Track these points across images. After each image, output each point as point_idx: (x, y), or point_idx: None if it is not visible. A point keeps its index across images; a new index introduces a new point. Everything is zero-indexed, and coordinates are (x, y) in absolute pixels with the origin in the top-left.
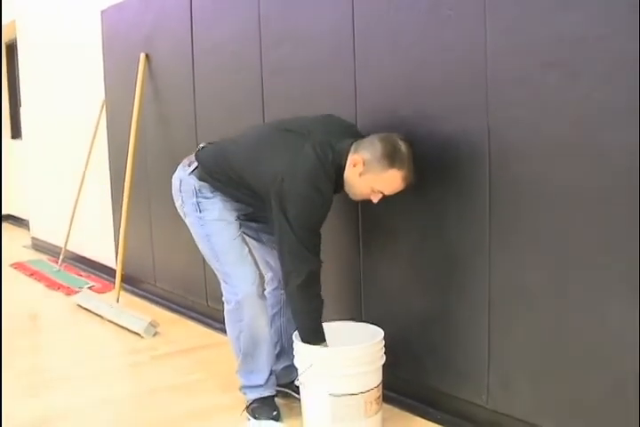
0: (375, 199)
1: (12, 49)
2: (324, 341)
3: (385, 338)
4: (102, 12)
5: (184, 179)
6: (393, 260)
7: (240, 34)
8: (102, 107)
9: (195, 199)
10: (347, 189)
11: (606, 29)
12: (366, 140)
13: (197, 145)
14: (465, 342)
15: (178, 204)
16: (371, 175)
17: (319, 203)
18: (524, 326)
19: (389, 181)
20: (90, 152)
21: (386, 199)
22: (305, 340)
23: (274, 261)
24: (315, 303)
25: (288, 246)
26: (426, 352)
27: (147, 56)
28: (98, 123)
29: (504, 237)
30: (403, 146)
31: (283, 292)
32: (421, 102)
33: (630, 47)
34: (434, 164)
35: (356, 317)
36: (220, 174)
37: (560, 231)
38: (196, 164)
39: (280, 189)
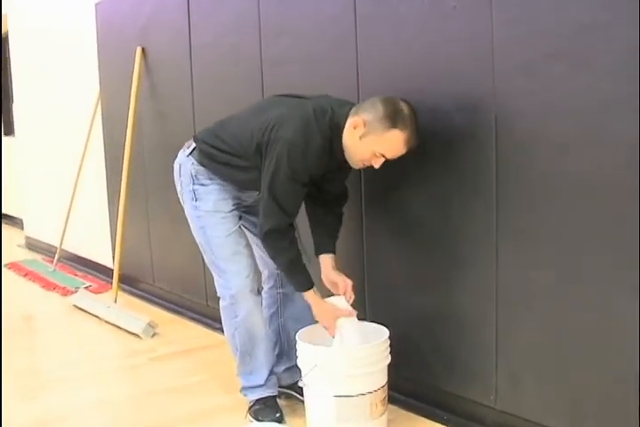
0: (377, 164)
1: (3, 43)
2: (311, 284)
3: (390, 337)
4: (97, 4)
5: (183, 163)
6: (397, 257)
7: (239, 25)
8: (97, 102)
9: (192, 186)
10: (347, 155)
11: (608, 19)
12: (367, 103)
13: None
14: (472, 341)
15: (178, 189)
16: (372, 137)
17: (305, 153)
18: (532, 323)
19: (391, 142)
20: (85, 149)
21: (389, 195)
22: (295, 288)
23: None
24: (287, 251)
25: (265, 203)
26: (432, 352)
27: (143, 50)
28: (93, 119)
29: (511, 232)
30: (405, 107)
31: (280, 291)
32: (426, 94)
33: (631, 36)
34: (438, 157)
35: (360, 315)
36: (217, 149)
37: (568, 225)
38: (194, 144)
39: (269, 137)
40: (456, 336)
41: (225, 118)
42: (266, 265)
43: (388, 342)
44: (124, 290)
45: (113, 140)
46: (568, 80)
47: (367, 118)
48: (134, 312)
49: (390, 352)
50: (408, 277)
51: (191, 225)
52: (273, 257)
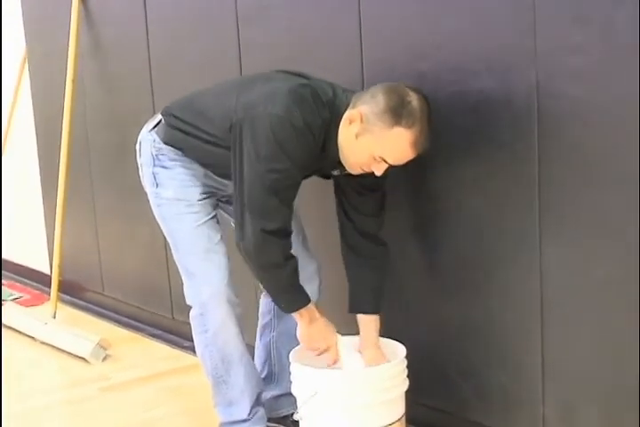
0: (378, 170)
1: None
2: (305, 301)
3: (407, 357)
4: None
5: (144, 139)
6: (414, 257)
7: None
8: (23, 64)
9: (152, 168)
10: (342, 158)
11: None
12: (367, 92)
13: (154, 114)
14: (512, 360)
15: (140, 173)
16: (369, 136)
17: (300, 129)
18: (588, 337)
19: (393, 143)
20: (9, 125)
21: (403, 176)
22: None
23: None
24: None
25: (243, 200)
26: (461, 374)
27: None
28: (18, 86)
29: (558, 225)
30: (415, 98)
31: None
32: (447, 51)
33: None
34: (465, 132)
35: None
36: (190, 125)
37: (633, 216)
38: (160, 117)
39: (252, 114)
40: (491, 354)
41: (203, 89)
42: None
43: (406, 362)
44: (64, 301)
45: (46, 113)
46: (636, 31)
47: (365, 112)
48: (79, 330)
49: (408, 376)
50: (428, 281)
51: (155, 215)
52: (260, 279)
